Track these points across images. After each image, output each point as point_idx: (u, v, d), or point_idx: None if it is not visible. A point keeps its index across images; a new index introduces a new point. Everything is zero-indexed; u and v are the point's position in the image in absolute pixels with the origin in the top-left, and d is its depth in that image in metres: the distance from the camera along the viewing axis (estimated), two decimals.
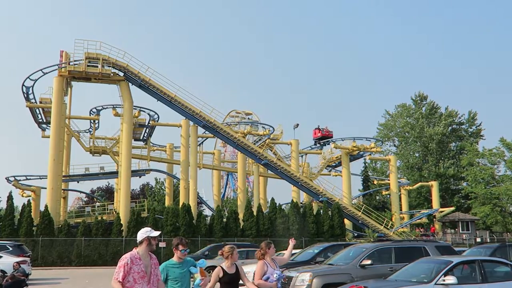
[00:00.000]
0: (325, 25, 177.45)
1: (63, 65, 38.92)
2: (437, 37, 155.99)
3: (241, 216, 40.55)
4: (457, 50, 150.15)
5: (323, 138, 53.64)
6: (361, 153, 52.93)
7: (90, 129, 44.76)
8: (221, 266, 7.08)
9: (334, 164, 54.77)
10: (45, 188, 38.76)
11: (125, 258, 5.67)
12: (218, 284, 7.19)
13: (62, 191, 41.84)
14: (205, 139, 50.07)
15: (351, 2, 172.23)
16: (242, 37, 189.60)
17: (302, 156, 52.81)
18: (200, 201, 50.85)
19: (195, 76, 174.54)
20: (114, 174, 42.98)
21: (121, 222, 36.80)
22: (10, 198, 36.13)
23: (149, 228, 5.94)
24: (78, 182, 44.91)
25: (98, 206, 47.14)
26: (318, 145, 54.22)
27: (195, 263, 6.59)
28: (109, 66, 39.09)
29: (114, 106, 42.31)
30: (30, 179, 44.34)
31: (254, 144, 45.33)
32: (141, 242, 5.82)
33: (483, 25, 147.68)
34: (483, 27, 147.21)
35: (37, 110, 41.53)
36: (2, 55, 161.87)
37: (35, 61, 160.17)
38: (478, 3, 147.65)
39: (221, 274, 7.00)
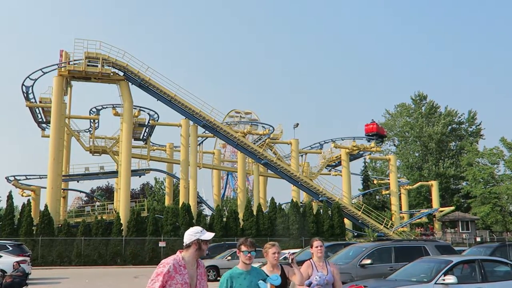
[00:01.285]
0: (325, 25, 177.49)
1: (63, 64, 38.92)
2: (437, 37, 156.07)
3: (241, 215, 40.57)
4: (457, 50, 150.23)
5: (382, 136, 52.46)
6: (361, 152, 52.93)
7: (90, 129, 44.76)
8: (262, 270, 5.73)
9: (334, 164, 54.76)
10: (45, 188, 38.78)
11: (166, 264, 4.43)
12: None
13: (62, 190, 41.84)
14: (205, 139, 50.09)
15: (351, 2, 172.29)
16: (242, 37, 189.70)
17: (302, 155, 52.82)
18: (200, 201, 50.86)
19: (195, 76, 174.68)
20: (114, 173, 42.97)
21: (121, 221, 36.81)
22: (10, 197, 36.16)
23: (200, 228, 4.74)
24: (78, 181, 44.94)
25: (98, 206, 47.14)
26: (373, 140, 51.65)
27: (264, 275, 5.33)
28: (109, 66, 39.09)
29: (114, 105, 42.30)
30: (30, 178, 44.37)
31: (254, 143, 45.34)
32: (188, 246, 4.62)
33: (483, 25, 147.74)
34: (483, 27, 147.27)
35: (37, 110, 41.53)
36: (2, 55, 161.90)
37: (35, 61, 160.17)
38: (478, 3, 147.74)
39: None
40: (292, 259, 5.85)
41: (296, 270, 5.76)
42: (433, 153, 71.02)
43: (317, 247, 6.52)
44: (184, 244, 4.65)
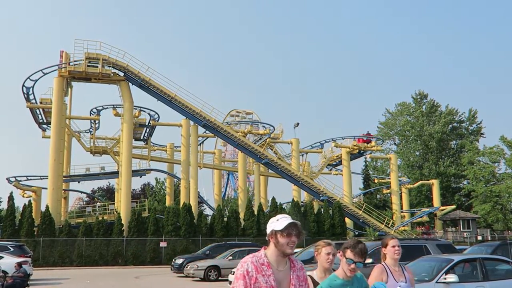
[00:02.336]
0: (325, 25, 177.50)
1: (63, 65, 38.93)
2: (437, 36, 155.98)
3: (242, 215, 40.55)
4: (457, 49, 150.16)
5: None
6: (362, 151, 52.91)
7: (91, 129, 44.77)
8: (310, 276, 4.42)
9: (334, 163, 54.69)
10: (46, 189, 38.80)
11: (244, 263, 3.48)
12: None
13: (63, 191, 41.85)
14: (206, 139, 50.08)
15: (351, 2, 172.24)
16: (242, 37, 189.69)
17: (302, 155, 52.78)
18: (201, 201, 50.84)
19: (195, 76, 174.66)
20: (115, 174, 42.99)
21: (122, 222, 36.82)
22: (11, 198, 36.14)
23: (280, 216, 3.60)
24: (78, 182, 44.93)
25: (99, 206, 47.13)
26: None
27: (366, 284, 4.35)
28: (109, 66, 39.09)
29: (115, 106, 42.31)
30: (31, 179, 44.35)
31: (255, 143, 45.32)
32: (268, 240, 3.59)
33: (483, 24, 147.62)
34: (483, 27, 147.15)
35: (37, 111, 41.54)
36: (2, 55, 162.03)
37: (35, 61, 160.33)
38: (478, 3, 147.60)
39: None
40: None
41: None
42: (433, 152, 70.96)
43: (394, 246, 5.22)
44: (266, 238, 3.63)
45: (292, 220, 3.47)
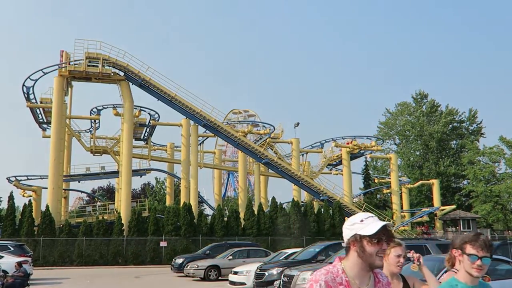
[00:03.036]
0: (325, 24, 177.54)
1: (63, 65, 38.92)
2: (437, 36, 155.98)
3: (242, 215, 40.55)
4: (457, 48, 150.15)
5: None
6: (362, 151, 52.91)
7: (91, 129, 44.77)
8: None
9: (334, 163, 54.70)
10: (46, 188, 38.81)
11: (315, 282, 2.49)
12: None
13: (63, 191, 41.85)
14: (206, 138, 50.05)
15: (351, 2, 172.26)
16: (242, 37, 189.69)
17: (302, 155, 52.79)
18: (201, 201, 50.83)
19: (195, 76, 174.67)
20: (115, 173, 42.98)
21: (122, 221, 36.82)
22: (11, 198, 36.14)
23: (364, 215, 2.62)
24: (79, 182, 44.96)
25: (99, 206, 47.11)
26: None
27: None
28: (109, 66, 39.09)
29: (115, 105, 42.30)
30: (31, 179, 44.38)
31: (255, 143, 45.31)
32: (348, 248, 2.63)
33: (483, 24, 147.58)
34: (483, 27, 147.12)
35: (37, 110, 41.53)
36: (2, 55, 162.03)
37: (35, 61, 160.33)
38: (478, 3, 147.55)
39: None
40: (418, 259, 4.10)
41: (431, 278, 3.96)
42: (433, 152, 70.95)
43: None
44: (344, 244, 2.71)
45: (384, 222, 2.56)
